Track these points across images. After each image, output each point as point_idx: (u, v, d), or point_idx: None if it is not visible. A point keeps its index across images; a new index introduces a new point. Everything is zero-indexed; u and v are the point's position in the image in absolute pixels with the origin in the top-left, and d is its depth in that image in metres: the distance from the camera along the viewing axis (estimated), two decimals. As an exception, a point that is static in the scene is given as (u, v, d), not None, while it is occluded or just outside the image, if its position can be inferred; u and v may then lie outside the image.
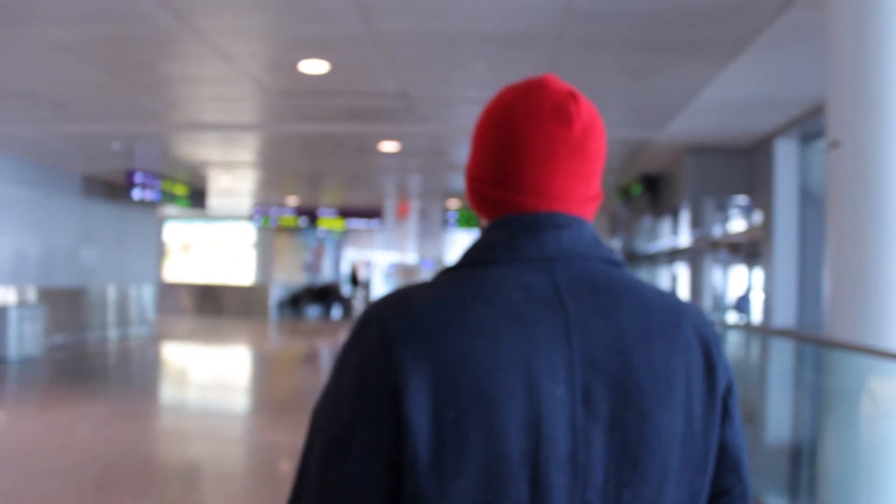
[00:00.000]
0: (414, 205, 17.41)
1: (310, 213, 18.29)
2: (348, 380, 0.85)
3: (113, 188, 13.74)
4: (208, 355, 14.18)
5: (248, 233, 22.09)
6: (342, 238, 26.08)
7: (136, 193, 12.33)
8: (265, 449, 6.70)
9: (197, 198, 14.43)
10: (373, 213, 17.94)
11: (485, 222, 0.98)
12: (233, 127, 9.04)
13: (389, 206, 17.59)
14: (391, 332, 0.84)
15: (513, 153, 0.93)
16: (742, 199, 9.80)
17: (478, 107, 4.80)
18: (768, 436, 6.25)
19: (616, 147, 9.66)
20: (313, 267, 24.91)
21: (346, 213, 18.13)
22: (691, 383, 0.88)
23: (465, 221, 17.57)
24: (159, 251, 16.16)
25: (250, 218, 19.28)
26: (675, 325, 0.89)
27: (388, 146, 9.76)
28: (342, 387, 0.86)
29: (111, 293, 14.24)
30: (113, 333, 14.25)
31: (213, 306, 21.31)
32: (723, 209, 10.68)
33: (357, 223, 18.19)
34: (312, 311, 23.43)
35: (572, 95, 0.94)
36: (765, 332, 6.96)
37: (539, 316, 0.84)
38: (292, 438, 6.92)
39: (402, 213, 17.39)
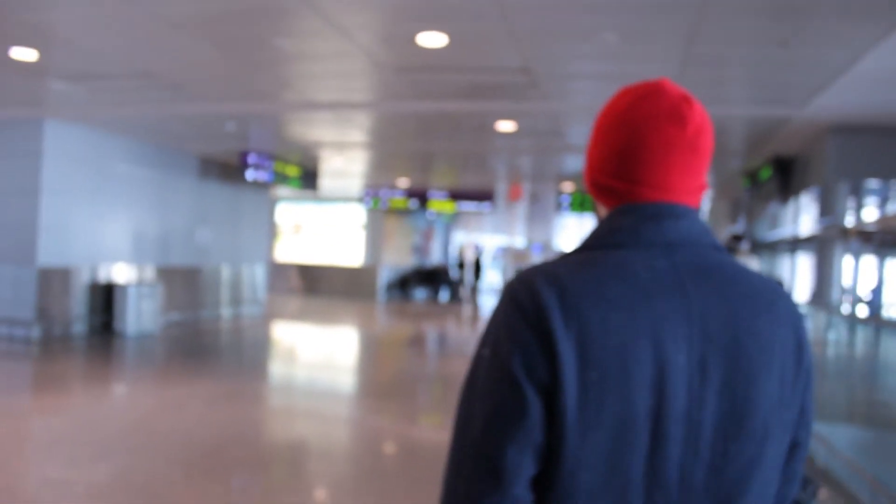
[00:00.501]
0: (525, 187, 16.93)
1: (420, 195, 18.10)
2: (506, 348, 0.96)
3: (227, 169, 13.91)
4: (317, 336, 14.23)
5: (357, 214, 22.17)
6: (452, 221, 25.89)
7: (250, 174, 12.40)
8: (372, 433, 6.48)
9: (309, 179, 14.44)
10: (484, 195, 17.59)
11: (604, 210, 1.11)
12: (345, 105, 8.82)
13: (501, 188, 17.20)
14: (545, 303, 0.95)
15: (634, 150, 1.05)
16: (874, 183, 8.87)
17: (603, 83, 4.30)
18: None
19: (746, 127, 8.94)
20: (422, 249, 24.83)
21: (457, 196, 17.84)
22: (785, 356, 1.01)
23: (578, 205, 17.00)
24: (271, 231, 16.32)
25: (361, 199, 19.27)
26: (774, 305, 1.03)
27: (505, 126, 9.35)
28: (500, 355, 0.96)
29: (225, 273, 14.46)
30: (226, 312, 14.48)
31: (322, 286, 21.54)
32: (858, 194, 9.83)
33: (468, 206, 17.86)
34: (420, 293, 23.39)
35: (686, 99, 1.06)
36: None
37: (664, 295, 0.97)
38: (398, 424, 6.73)
39: (514, 196, 16.93)
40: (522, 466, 0.93)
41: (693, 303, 0.97)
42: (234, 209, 14.66)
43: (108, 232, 11.30)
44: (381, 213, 21.52)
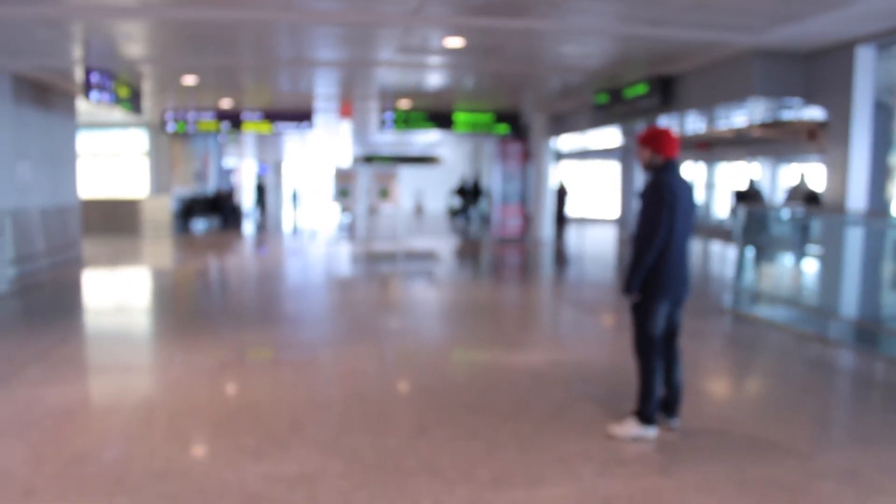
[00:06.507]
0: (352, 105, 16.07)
1: (233, 117, 16.52)
2: (661, 197, 4.37)
3: (41, 91, 11.62)
4: (170, 281, 12.57)
5: (138, 141, 19.59)
6: (232, 143, 23.95)
7: (94, 95, 10.43)
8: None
9: (136, 100, 12.52)
10: (303, 115, 16.53)
11: (661, 159, 4.55)
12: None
13: (321, 107, 16.21)
14: (669, 186, 4.41)
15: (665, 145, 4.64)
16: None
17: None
18: None
19: (667, 48, 9.22)
20: (202, 175, 22.84)
21: (273, 116, 16.56)
22: (692, 198, 4.60)
23: (402, 123, 16.66)
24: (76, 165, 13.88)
25: (162, 123, 17.04)
26: (690, 186, 4.63)
27: (453, 42, 8.73)
28: (660, 198, 4.37)
29: (50, 215, 12.20)
30: (58, 259, 12.30)
31: (98, 224, 19.10)
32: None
33: (286, 126, 16.63)
34: (204, 223, 21.73)
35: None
36: None
37: (681, 183, 4.52)
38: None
39: (345, 113, 15.99)
40: (664, 225, 4.33)
41: (683, 184, 4.46)
42: (49, 140, 12.31)
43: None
44: (167, 139, 19.33)
